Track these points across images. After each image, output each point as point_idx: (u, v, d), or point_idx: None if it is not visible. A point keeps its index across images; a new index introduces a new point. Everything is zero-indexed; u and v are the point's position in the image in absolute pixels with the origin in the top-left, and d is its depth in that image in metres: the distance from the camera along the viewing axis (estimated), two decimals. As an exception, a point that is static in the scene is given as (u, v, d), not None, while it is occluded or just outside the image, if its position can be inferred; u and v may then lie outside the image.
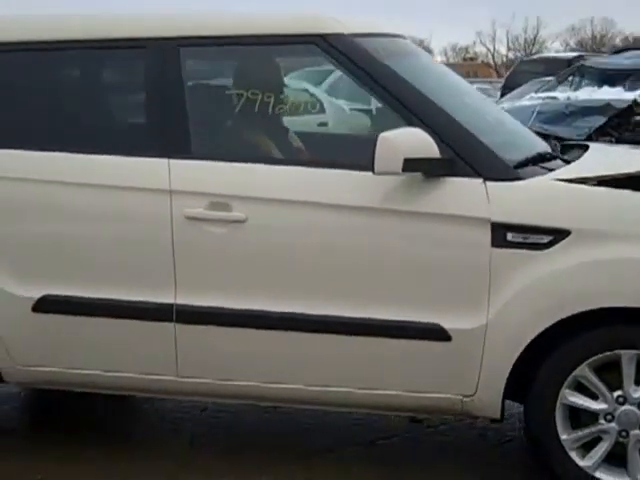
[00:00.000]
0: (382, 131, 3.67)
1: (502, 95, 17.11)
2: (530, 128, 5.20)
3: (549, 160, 4.08)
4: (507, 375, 3.72)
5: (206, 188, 3.88)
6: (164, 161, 3.93)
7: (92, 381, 4.14)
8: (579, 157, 4.19)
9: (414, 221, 3.72)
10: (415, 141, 3.62)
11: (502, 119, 4.42)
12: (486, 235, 3.67)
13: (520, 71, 19.49)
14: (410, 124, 3.74)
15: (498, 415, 3.82)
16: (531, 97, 12.86)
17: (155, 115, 4.00)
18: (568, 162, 4.12)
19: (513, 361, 3.69)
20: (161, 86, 3.99)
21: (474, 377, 3.75)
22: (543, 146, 4.33)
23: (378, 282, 3.78)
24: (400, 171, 3.60)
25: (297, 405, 4.18)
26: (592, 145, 4.63)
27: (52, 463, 4.18)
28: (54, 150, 4.05)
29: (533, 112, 11.38)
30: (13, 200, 4.07)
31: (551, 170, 3.89)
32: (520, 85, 15.81)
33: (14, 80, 4.21)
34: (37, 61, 4.18)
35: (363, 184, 3.76)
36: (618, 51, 14.37)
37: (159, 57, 4.00)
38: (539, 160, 4.01)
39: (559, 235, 3.62)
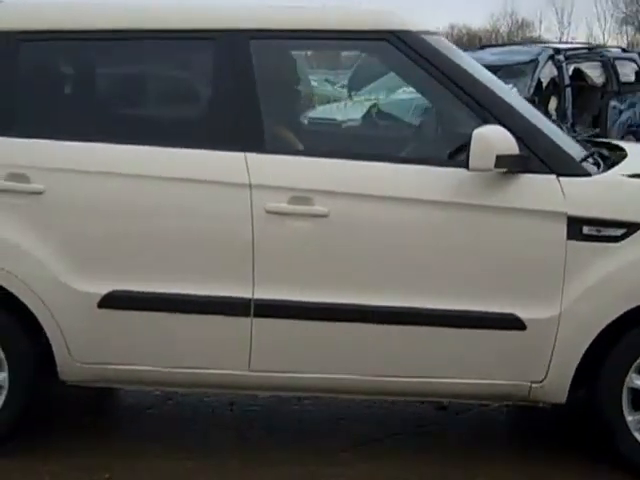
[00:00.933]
0: (455, 128, 3.80)
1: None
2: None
3: (595, 157, 4.30)
4: (577, 363, 3.92)
5: (287, 182, 3.90)
6: (240, 155, 3.92)
7: (158, 378, 4.08)
8: (624, 156, 4.42)
9: (495, 216, 3.86)
10: (502, 138, 3.76)
11: (542, 117, 4.63)
12: (562, 229, 3.85)
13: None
14: (485, 122, 3.87)
15: (564, 400, 4.02)
16: (404, 91, 13.22)
17: (228, 109, 3.97)
18: (608, 159, 4.35)
19: (584, 349, 3.90)
20: (235, 79, 3.96)
21: (545, 364, 3.94)
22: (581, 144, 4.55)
23: (457, 275, 3.91)
24: (492, 167, 3.74)
25: (368, 396, 4.25)
26: (619, 143, 4.90)
27: (118, 460, 4.09)
28: (124, 143, 3.97)
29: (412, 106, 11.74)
30: (80, 194, 3.95)
31: (609, 167, 4.11)
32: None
33: (92, 71, 4.11)
34: (112, 51, 4.09)
35: (444, 180, 3.87)
36: (483, 47, 14.81)
37: (230, 49, 3.97)
38: (591, 157, 4.23)
39: (631, 228, 3.85)
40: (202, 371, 4.04)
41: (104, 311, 3.97)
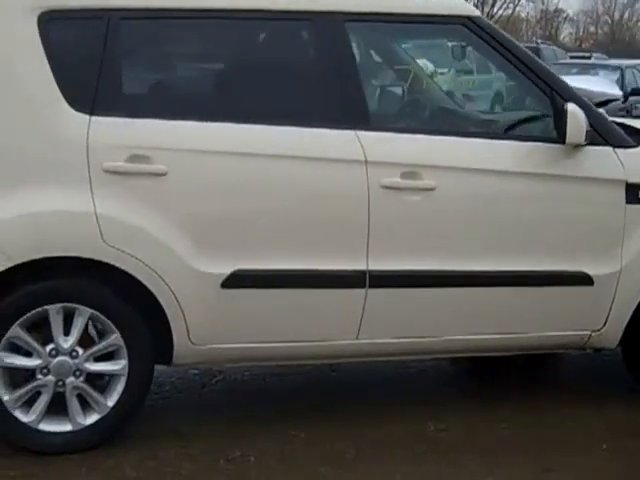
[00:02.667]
0: (530, 107, 4.25)
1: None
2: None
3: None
4: (631, 312, 4.50)
5: (399, 158, 4.15)
6: (351, 132, 4.11)
7: (275, 354, 4.18)
8: None
9: (576, 185, 4.34)
10: (583, 115, 4.26)
11: None
12: (622, 194, 4.41)
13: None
14: (552, 101, 4.33)
15: (614, 346, 4.60)
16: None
17: (334, 88, 4.13)
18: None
19: (637, 301, 4.49)
20: (336, 60, 4.13)
21: (605, 315, 4.48)
22: None
23: (543, 239, 4.35)
24: (583, 141, 4.22)
25: (460, 355, 4.58)
26: None
27: (244, 439, 4.15)
28: (241, 122, 4.02)
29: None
30: (202, 175, 3.96)
31: None
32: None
33: (208, 51, 4.11)
34: (226, 31, 4.13)
35: (539, 154, 4.30)
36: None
37: (329, 31, 4.14)
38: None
39: None
40: (315, 344, 4.19)
41: (227, 291, 4.00)
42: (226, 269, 3.98)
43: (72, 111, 3.85)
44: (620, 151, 4.43)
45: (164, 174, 3.90)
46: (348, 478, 3.87)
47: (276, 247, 4.05)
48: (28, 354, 3.91)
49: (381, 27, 4.38)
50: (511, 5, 42.93)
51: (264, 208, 4.04)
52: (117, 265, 3.86)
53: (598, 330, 4.51)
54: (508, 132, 4.39)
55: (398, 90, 4.54)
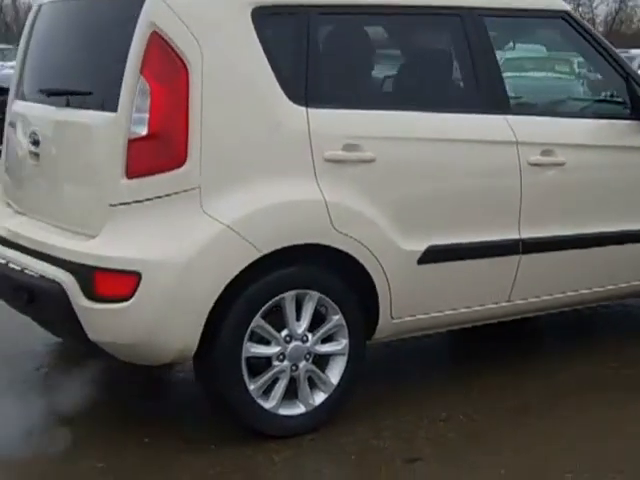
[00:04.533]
0: (610, 90, 4.97)
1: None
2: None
3: None
4: None
5: (539, 139, 4.67)
6: (501, 117, 4.59)
7: (450, 321, 4.57)
8: None
9: None
10: None
11: None
12: None
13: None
14: (628, 84, 5.04)
15: None
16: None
17: (486, 77, 4.58)
18: None
19: None
20: (482, 51, 4.58)
21: None
22: None
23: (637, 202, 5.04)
24: None
25: (587, 304, 5.20)
26: None
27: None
28: (429, 111, 4.38)
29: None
30: (403, 160, 4.27)
31: None
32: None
33: (403, 48, 4.41)
34: (417, 27, 4.49)
35: (626, 129, 4.97)
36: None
37: (474, 25, 4.58)
38: None
39: None
40: (480, 308, 4.62)
41: (422, 266, 4.33)
42: (421, 246, 4.31)
43: (292, 104, 4.01)
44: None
45: (373, 161, 4.16)
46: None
47: (456, 223, 4.43)
48: (266, 342, 4.02)
49: (499, 20, 4.83)
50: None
51: (448, 188, 4.41)
52: (343, 249, 4.07)
53: None
54: (606, 113, 5.02)
55: (519, 77, 5.03)
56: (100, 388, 4.42)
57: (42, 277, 4.04)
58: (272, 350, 4.03)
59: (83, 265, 3.87)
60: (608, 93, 5.09)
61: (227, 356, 3.92)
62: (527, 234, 4.63)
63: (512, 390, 4.70)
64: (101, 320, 3.85)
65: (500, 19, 4.77)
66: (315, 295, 4.07)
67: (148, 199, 3.81)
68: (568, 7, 4.99)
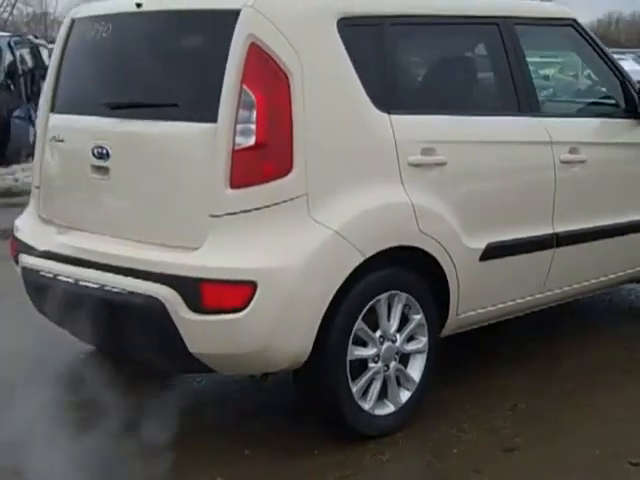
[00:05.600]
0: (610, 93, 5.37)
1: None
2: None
3: None
4: None
5: (568, 138, 4.97)
6: (535, 120, 4.86)
7: (504, 312, 4.81)
8: None
9: None
10: None
11: None
12: None
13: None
14: (624, 87, 5.40)
15: None
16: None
17: (522, 82, 4.81)
18: None
19: None
20: (516, 57, 4.84)
21: None
22: None
23: None
24: None
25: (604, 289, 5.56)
26: None
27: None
28: (489, 115, 4.64)
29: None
30: (470, 163, 4.46)
31: None
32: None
33: (465, 57, 4.62)
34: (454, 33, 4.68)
35: (629, 127, 5.35)
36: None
37: (508, 32, 4.82)
38: None
39: None
40: (519, 301, 4.87)
41: (483, 263, 4.53)
42: (482, 244, 4.51)
43: (378, 111, 4.12)
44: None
45: (445, 164, 4.32)
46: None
47: (509, 220, 4.66)
48: (363, 344, 4.11)
49: (526, 28, 5.07)
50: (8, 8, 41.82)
51: (502, 187, 4.63)
52: (426, 249, 4.22)
53: None
54: (615, 113, 5.36)
55: (544, 80, 5.29)
56: (184, 406, 4.33)
57: (131, 293, 3.96)
58: (369, 352, 4.12)
59: (187, 278, 3.83)
60: (607, 94, 5.43)
61: (335, 359, 3.98)
62: (559, 228, 4.91)
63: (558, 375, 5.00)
64: (208, 332, 3.83)
65: (525, 27, 5.01)
66: (403, 296, 4.20)
67: (256, 208, 3.82)
68: (573, 14, 5.29)
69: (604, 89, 5.56)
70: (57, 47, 4.68)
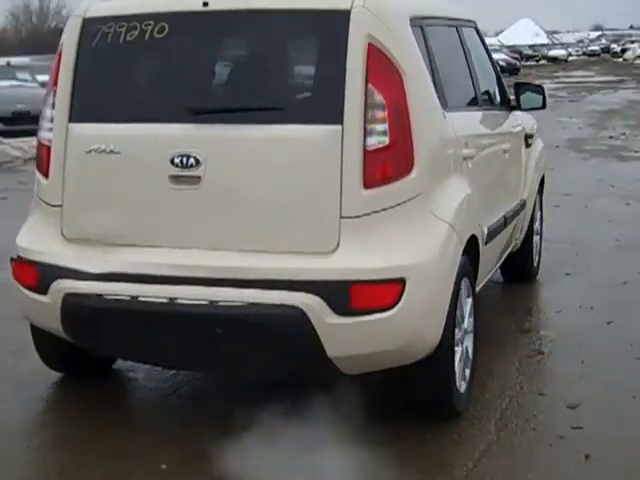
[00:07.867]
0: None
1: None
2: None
3: None
4: None
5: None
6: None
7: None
8: None
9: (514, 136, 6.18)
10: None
11: None
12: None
13: None
14: (499, 81, 6.11)
15: None
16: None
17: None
18: None
19: None
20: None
21: None
22: None
23: None
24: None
25: None
26: None
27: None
28: (478, 110, 5.10)
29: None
30: (485, 152, 4.91)
31: None
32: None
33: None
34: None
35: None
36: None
37: (470, 35, 5.35)
38: None
39: None
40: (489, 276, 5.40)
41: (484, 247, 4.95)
42: (486, 229, 4.93)
43: (442, 108, 4.39)
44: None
45: (473, 157, 4.71)
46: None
47: (495, 204, 5.17)
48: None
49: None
50: None
51: (500, 176, 5.15)
52: (476, 234, 4.57)
53: None
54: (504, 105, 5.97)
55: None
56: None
57: (254, 304, 3.85)
58: (458, 335, 4.36)
59: (332, 282, 3.81)
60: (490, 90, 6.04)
61: (449, 344, 4.19)
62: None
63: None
64: (354, 334, 3.85)
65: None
66: (467, 280, 4.49)
67: (388, 207, 3.90)
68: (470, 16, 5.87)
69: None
70: (68, 51, 4.23)
